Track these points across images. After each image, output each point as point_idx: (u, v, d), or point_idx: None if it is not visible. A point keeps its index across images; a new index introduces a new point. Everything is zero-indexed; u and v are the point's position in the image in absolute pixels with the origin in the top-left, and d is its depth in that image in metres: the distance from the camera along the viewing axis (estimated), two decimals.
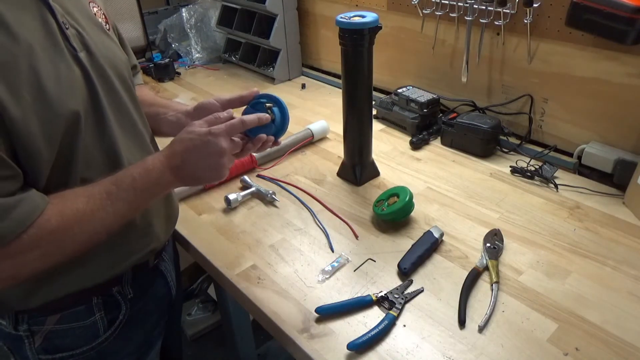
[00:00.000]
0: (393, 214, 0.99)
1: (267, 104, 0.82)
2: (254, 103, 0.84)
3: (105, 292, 0.83)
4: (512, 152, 1.25)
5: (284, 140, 1.31)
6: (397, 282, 0.87)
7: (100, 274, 0.80)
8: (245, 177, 1.18)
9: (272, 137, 0.83)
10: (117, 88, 0.78)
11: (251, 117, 0.78)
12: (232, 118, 0.78)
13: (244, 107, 0.86)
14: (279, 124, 0.83)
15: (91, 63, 0.72)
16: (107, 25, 0.83)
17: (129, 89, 0.82)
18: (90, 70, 0.72)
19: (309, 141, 1.34)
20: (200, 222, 1.06)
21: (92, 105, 0.72)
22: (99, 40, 0.76)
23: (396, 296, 0.83)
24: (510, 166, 1.18)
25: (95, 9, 0.80)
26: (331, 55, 1.81)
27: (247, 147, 0.81)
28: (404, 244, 0.96)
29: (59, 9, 0.69)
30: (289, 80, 1.83)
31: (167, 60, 1.85)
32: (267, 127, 0.81)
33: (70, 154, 0.69)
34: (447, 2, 1.31)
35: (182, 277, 1.14)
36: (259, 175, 1.21)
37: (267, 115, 0.80)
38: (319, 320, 0.80)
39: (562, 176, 1.14)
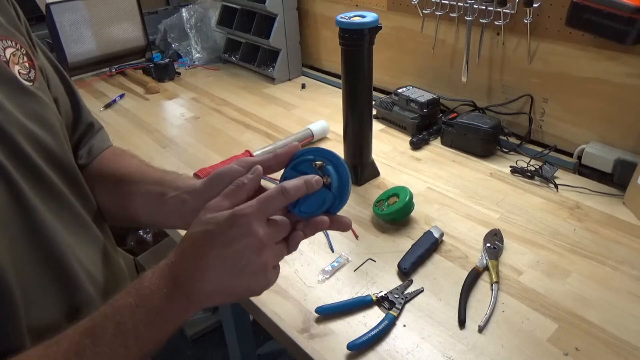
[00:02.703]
0: (393, 214, 0.99)
1: (317, 162, 0.57)
2: (296, 163, 0.59)
3: None
4: (512, 152, 1.24)
5: (283, 140, 1.31)
6: (397, 282, 0.87)
7: None
8: None
9: (336, 218, 0.56)
10: (43, 169, 0.54)
11: (295, 182, 0.53)
12: (263, 186, 0.55)
13: (282, 170, 0.61)
14: (338, 189, 0.56)
15: None
16: (33, 72, 0.56)
17: (58, 164, 0.57)
18: None
19: (309, 141, 1.34)
20: None
21: (13, 206, 0.49)
22: (11, 103, 0.51)
23: (396, 296, 0.83)
24: (510, 166, 1.18)
25: (9, 51, 0.52)
26: (331, 55, 1.81)
27: (295, 236, 0.54)
28: (404, 244, 0.96)
29: None
30: (289, 80, 1.82)
31: (167, 60, 1.85)
32: (319, 197, 0.55)
33: None
34: (447, 2, 1.31)
35: None
36: None
37: (318, 177, 0.55)
38: (319, 320, 0.80)
39: (562, 176, 1.14)
